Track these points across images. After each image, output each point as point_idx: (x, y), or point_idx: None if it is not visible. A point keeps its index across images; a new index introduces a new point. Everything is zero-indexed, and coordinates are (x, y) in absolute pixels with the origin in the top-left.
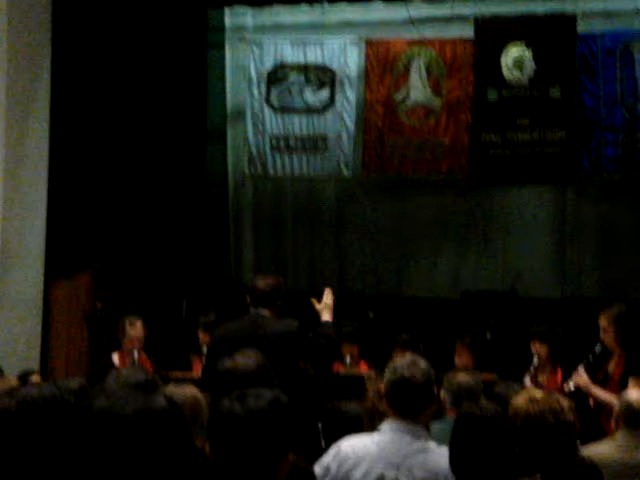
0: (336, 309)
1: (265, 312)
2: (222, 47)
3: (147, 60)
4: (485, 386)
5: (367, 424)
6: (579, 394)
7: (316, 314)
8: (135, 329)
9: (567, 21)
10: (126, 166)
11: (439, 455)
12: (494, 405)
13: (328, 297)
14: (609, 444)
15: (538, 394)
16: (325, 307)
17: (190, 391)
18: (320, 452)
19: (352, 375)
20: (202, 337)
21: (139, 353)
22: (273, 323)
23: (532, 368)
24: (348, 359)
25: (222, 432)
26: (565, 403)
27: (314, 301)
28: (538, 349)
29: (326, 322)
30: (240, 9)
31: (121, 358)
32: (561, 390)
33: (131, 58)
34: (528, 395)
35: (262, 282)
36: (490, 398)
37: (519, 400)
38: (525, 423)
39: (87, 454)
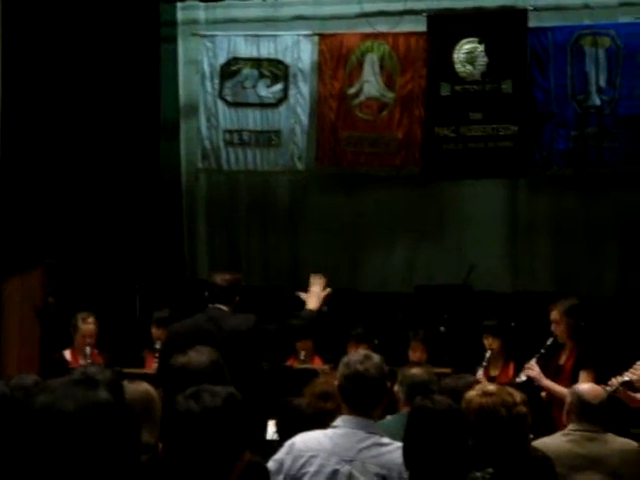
0: (290, 304)
1: (223, 308)
2: (175, 41)
3: (100, 55)
4: (439, 380)
5: (313, 421)
6: (531, 387)
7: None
8: (87, 325)
9: (518, 15)
10: (79, 161)
11: (393, 449)
12: (447, 399)
13: (315, 285)
14: (561, 437)
15: (491, 387)
16: (312, 294)
17: (143, 387)
18: (274, 448)
19: (306, 369)
20: (155, 333)
21: (91, 349)
22: (230, 319)
23: (484, 362)
24: (302, 354)
25: (177, 430)
26: (518, 396)
27: (300, 293)
28: (490, 343)
29: (307, 309)
30: (192, 3)
31: (73, 354)
32: (513, 384)
33: (84, 53)
34: (481, 388)
35: (220, 278)
36: (440, 391)
37: (472, 393)
38: (478, 416)
39: (31, 451)
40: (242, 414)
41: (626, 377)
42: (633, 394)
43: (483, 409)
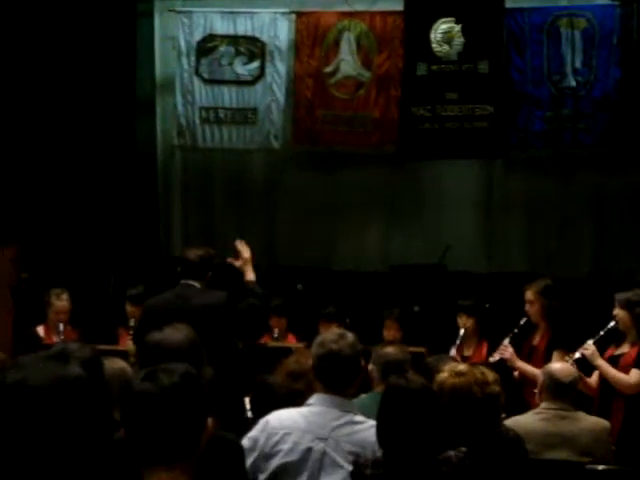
0: (265, 282)
1: (195, 284)
2: (151, 17)
3: (75, 30)
4: (413, 359)
5: (284, 400)
6: (503, 366)
7: (239, 276)
8: (61, 301)
9: None
10: (54, 138)
11: (366, 428)
12: (421, 378)
13: (244, 251)
14: (533, 415)
15: (462, 367)
16: (245, 263)
17: (118, 364)
18: (248, 425)
19: (281, 347)
20: (130, 310)
21: (65, 326)
22: (202, 295)
23: (458, 341)
24: (276, 332)
25: (138, 412)
26: (491, 375)
27: (232, 260)
28: (464, 322)
29: (250, 281)
30: None
31: (46, 331)
32: (486, 363)
33: (59, 29)
34: (452, 369)
35: (192, 253)
36: (419, 371)
37: (444, 375)
38: (452, 396)
39: (2, 426)
40: (200, 388)
41: (577, 354)
42: (586, 379)
43: (456, 389)
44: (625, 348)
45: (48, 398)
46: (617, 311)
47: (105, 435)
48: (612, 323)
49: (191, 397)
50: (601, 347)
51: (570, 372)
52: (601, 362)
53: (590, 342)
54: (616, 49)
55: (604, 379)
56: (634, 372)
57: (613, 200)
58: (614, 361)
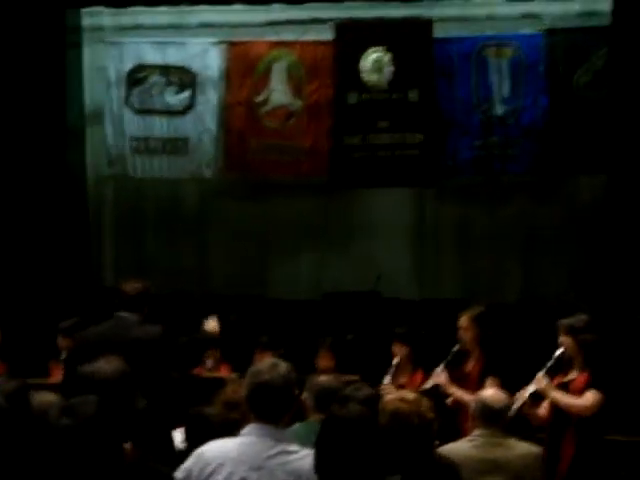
0: (199, 311)
1: (131, 316)
2: (80, 48)
3: (4, 61)
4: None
5: (220, 430)
6: (437, 393)
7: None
8: None
9: (423, 25)
10: None
11: (300, 457)
12: (361, 407)
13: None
14: (467, 442)
15: (412, 395)
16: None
17: (49, 397)
18: (183, 456)
19: (213, 378)
20: (62, 342)
21: None
22: (137, 328)
23: (392, 369)
24: (209, 363)
25: (55, 446)
26: (425, 403)
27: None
28: (398, 350)
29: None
30: (98, 9)
31: None
32: (420, 390)
33: None
34: (395, 396)
35: (129, 286)
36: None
37: (387, 400)
38: (391, 423)
39: None
40: (113, 414)
41: (531, 389)
42: (536, 411)
43: (397, 415)
44: (573, 374)
45: None
46: (562, 338)
47: (31, 466)
48: (558, 351)
49: (107, 424)
50: (549, 375)
51: (501, 399)
52: (555, 393)
53: (540, 375)
54: (543, 77)
55: (556, 409)
56: (589, 394)
57: (542, 226)
58: (563, 388)
